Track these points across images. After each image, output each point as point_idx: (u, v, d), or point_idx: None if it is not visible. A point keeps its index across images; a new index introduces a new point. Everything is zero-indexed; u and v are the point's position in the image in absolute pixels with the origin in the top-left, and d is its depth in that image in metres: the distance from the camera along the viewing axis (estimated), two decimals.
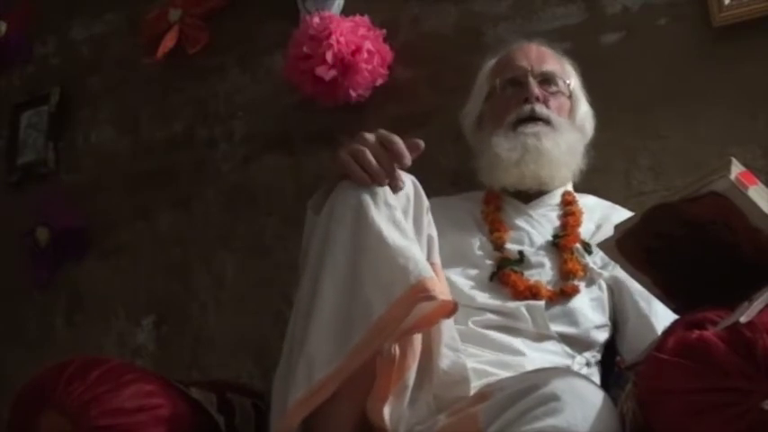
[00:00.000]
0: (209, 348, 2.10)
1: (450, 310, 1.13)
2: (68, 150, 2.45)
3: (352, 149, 1.19)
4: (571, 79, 1.66)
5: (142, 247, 2.26)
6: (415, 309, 1.09)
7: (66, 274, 2.34)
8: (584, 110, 1.66)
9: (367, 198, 1.15)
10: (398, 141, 1.20)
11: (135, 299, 2.23)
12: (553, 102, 1.61)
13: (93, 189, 2.38)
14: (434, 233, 1.27)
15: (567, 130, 1.60)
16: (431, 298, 1.09)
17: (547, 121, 1.58)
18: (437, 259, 1.26)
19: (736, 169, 1.01)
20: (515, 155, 1.56)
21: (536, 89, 1.60)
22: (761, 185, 1.03)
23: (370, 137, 1.21)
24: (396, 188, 1.19)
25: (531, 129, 1.57)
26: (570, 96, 1.64)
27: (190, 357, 2.11)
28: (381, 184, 1.17)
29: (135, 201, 2.30)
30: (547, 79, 1.63)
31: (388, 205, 1.16)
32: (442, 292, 1.11)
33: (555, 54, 1.69)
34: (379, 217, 1.14)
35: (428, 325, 1.16)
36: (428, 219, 1.25)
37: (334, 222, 1.16)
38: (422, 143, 1.20)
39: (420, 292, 1.08)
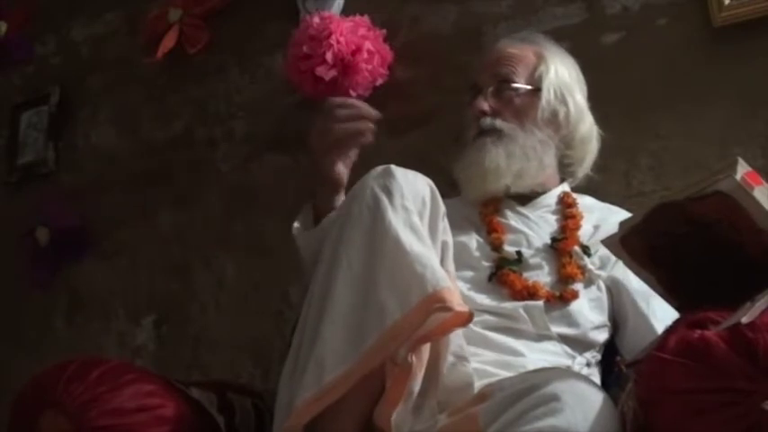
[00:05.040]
0: (209, 348, 2.10)
1: (465, 319, 1.13)
2: (68, 150, 2.45)
3: (315, 130, 1.30)
4: (538, 68, 1.60)
5: (142, 247, 2.26)
6: (431, 318, 1.09)
7: (66, 274, 2.34)
8: (549, 98, 1.58)
9: (384, 200, 1.15)
10: (345, 101, 1.36)
11: (135, 299, 2.23)
12: (507, 108, 1.58)
13: (93, 189, 2.38)
14: (450, 239, 1.26)
15: (520, 135, 1.56)
16: (447, 309, 1.08)
17: (492, 132, 1.56)
18: (451, 266, 1.26)
19: (742, 169, 1.01)
20: (465, 173, 1.58)
21: (481, 104, 1.58)
22: (767, 186, 1.03)
23: (320, 123, 1.35)
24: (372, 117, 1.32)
25: (478, 143, 1.56)
26: (531, 91, 1.59)
27: (190, 357, 2.11)
28: (370, 131, 1.28)
29: (135, 201, 2.30)
30: (501, 85, 1.60)
31: (405, 209, 1.15)
32: (459, 303, 1.10)
33: (522, 47, 1.64)
34: (396, 220, 1.13)
35: (442, 334, 1.16)
36: (444, 224, 1.24)
37: (350, 222, 1.16)
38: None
39: (436, 301, 1.08)
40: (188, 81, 2.31)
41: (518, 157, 1.55)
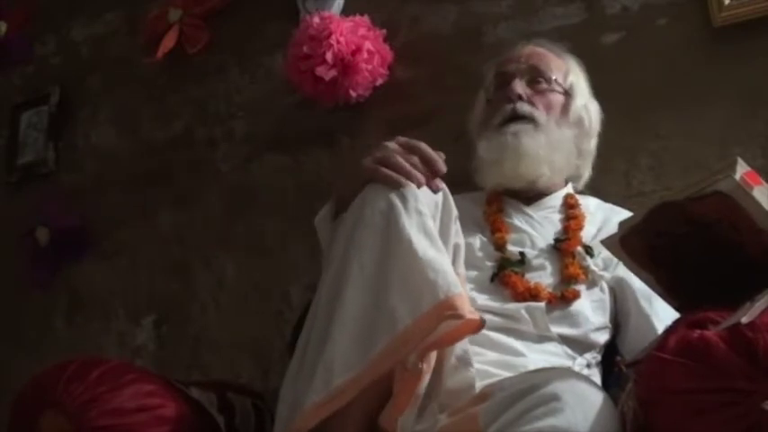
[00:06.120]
0: (209, 348, 2.10)
1: (476, 327, 1.12)
2: (68, 150, 2.45)
3: (378, 156, 1.19)
4: (569, 76, 1.64)
5: (142, 247, 2.26)
6: (442, 325, 1.08)
7: (66, 274, 2.34)
8: (580, 104, 1.62)
9: (398, 203, 1.14)
10: (425, 146, 1.20)
11: (135, 299, 2.23)
12: (540, 99, 1.59)
13: (93, 189, 2.38)
14: (462, 242, 1.26)
15: (554, 128, 1.58)
16: (458, 316, 1.07)
17: (530, 119, 1.57)
18: (462, 269, 1.26)
19: (742, 169, 1.01)
20: (494, 155, 1.57)
21: (518, 88, 1.58)
22: (766, 186, 1.03)
23: (392, 144, 1.21)
24: (435, 189, 1.19)
25: (512, 128, 1.56)
26: (565, 92, 1.62)
27: (190, 357, 2.11)
28: (419, 184, 1.16)
29: (135, 201, 2.30)
30: (535, 77, 1.61)
31: (418, 212, 1.14)
32: (470, 311, 1.09)
33: (551, 51, 1.67)
34: (409, 224, 1.12)
35: (452, 340, 1.15)
36: (456, 227, 1.23)
37: (363, 225, 1.14)
38: (442, 154, 1.21)
39: (448, 309, 1.07)
40: (188, 81, 2.31)
41: (555, 149, 1.57)
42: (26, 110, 2.53)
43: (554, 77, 1.61)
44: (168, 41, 2.28)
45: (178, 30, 2.29)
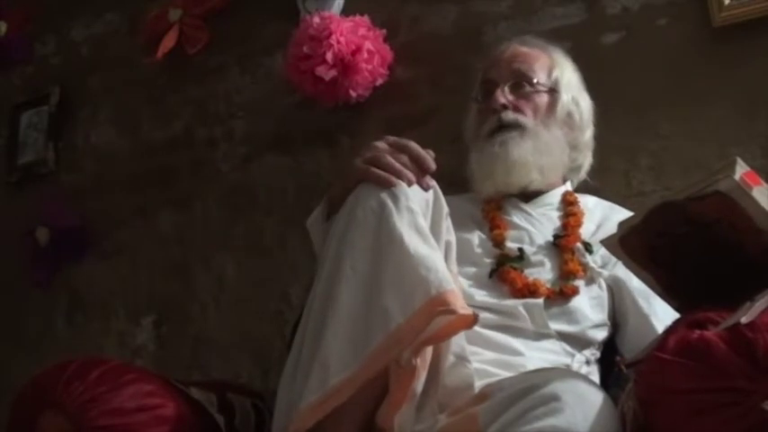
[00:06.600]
0: (209, 348, 2.10)
1: (470, 322, 1.12)
2: (68, 150, 2.46)
3: (368, 157, 1.20)
4: (554, 71, 1.64)
5: (142, 247, 2.26)
6: (434, 321, 1.09)
7: (66, 274, 2.34)
8: (566, 100, 1.62)
9: (389, 202, 1.15)
10: (415, 144, 1.21)
11: (135, 299, 2.23)
12: (526, 104, 1.60)
13: (93, 189, 2.38)
14: (453, 239, 1.26)
15: (542, 130, 1.58)
16: (450, 312, 1.08)
17: (515, 126, 1.57)
18: (454, 266, 1.26)
19: (741, 169, 1.01)
20: (485, 167, 1.58)
21: (501, 98, 1.59)
22: (765, 186, 1.03)
23: (382, 144, 1.22)
24: (426, 186, 1.20)
25: (499, 138, 1.57)
26: (550, 90, 1.62)
27: (190, 357, 2.11)
28: (409, 183, 1.17)
29: (135, 201, 2.30)
30: (519, 81, 1.62)
31: (409, 210, 1.15)
32: (462, 306, 1.10)
33: (534, 48, 1.67)
34: (401, 223, 1.13)
35: (446, 336, 1.16)
36: (447, 224, 1.24)
37: (355, 225, 1.15)
38: (431, 152, 1.21)
39: (440, 305, 1.07)
40: (188, 81, 2.31)
41: (544, 153, 1.57)
42: (26, 110, 2.53)
43: (536, 79, 1.61)
44: (168, 41, 2.28)
45: (178, 30, 2.29)
